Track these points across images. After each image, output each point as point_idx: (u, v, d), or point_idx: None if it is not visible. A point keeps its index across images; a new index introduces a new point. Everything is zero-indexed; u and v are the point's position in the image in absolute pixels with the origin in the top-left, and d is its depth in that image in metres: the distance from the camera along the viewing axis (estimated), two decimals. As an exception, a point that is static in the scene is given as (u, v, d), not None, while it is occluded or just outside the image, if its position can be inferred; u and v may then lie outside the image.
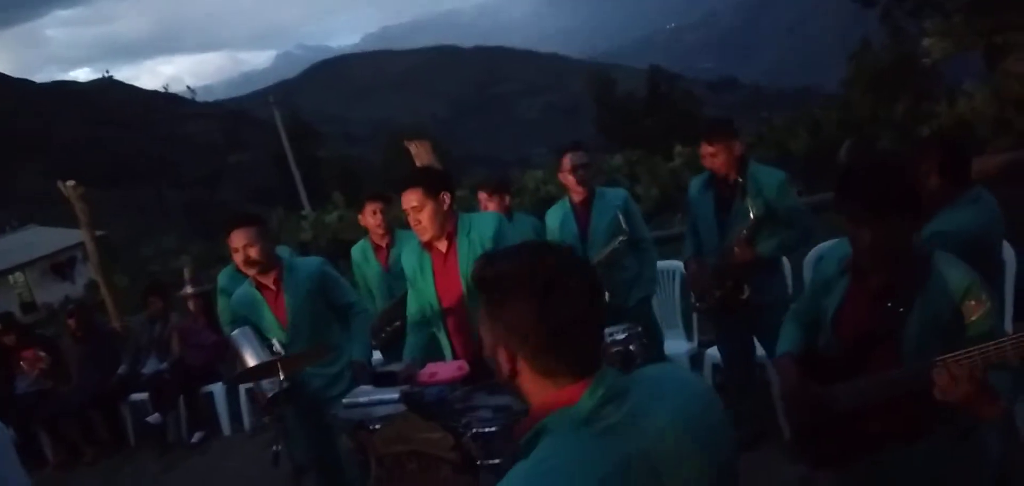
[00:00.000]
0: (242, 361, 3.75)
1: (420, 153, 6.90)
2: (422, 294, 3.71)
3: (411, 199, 3.50)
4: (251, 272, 4.07)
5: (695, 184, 4.45)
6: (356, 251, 5.54)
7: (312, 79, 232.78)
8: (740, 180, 4.07)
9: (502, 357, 1.42)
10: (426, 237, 3.56)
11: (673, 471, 1.37)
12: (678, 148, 18.31)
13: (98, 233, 9.22)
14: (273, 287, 4.09)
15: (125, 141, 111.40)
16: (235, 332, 3.85)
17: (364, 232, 5.51)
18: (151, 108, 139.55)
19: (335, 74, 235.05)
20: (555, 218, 4.86)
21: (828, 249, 2.74)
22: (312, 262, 4.27)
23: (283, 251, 4.67)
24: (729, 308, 4.27)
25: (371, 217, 5.32)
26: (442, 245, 3.61)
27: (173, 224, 64.09)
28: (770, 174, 4.17)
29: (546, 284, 1.37)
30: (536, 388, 1.42)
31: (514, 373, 1.43)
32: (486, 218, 3.67)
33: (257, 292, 4.11)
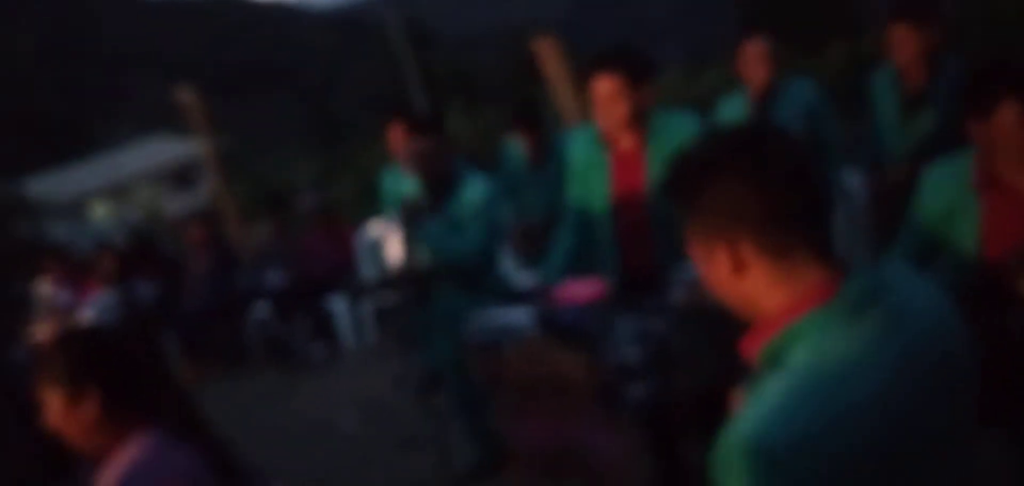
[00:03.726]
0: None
1: (547, 54, 6.82)
2: (591, 192, 3.34)
3: (605, 85, 3.09)
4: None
5: (879, 78, 4.10)
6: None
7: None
8: (931, 80, 3.78)
9: (721, 253, 1.26)
10: (613, 129, 3.18)
11: (942, 373, 1.24)
12: (836, 43, 17.36)
13: (219, 140, 9.61)
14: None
15: (239, 52, 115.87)
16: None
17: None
18: (266, 18, 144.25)
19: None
20: (732, 113, 4.62)
21: (938, 171, 2.50)
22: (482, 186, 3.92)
23: None
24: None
25: None
26: (627, 141, 3.20)
27: (290, 133, 66.42)
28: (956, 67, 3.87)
29: (755, 156, 1.24)
30: (770, 282, 1.25)
31: (740, 268, 1.26)
32: (686, 119, 3.29)
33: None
